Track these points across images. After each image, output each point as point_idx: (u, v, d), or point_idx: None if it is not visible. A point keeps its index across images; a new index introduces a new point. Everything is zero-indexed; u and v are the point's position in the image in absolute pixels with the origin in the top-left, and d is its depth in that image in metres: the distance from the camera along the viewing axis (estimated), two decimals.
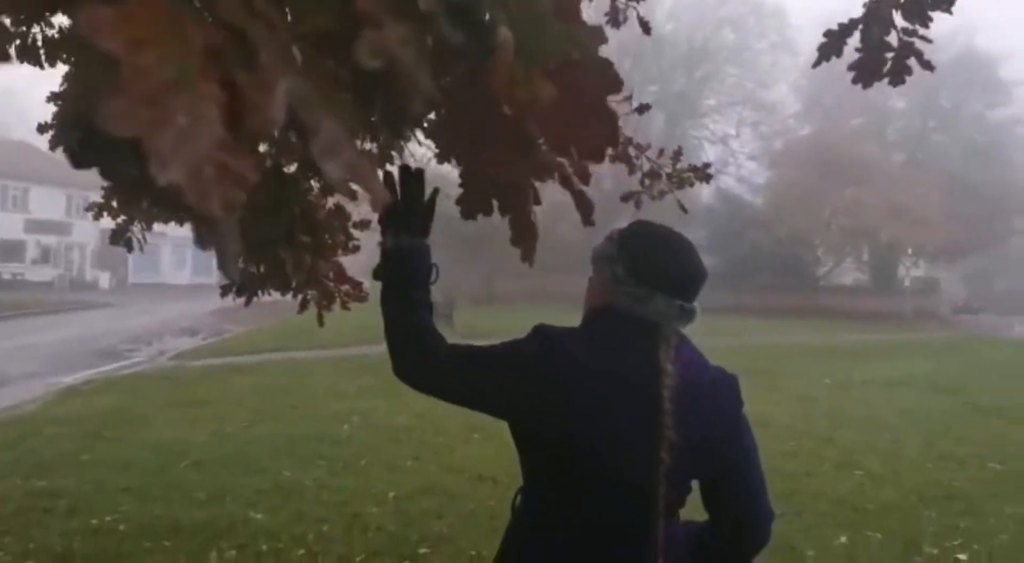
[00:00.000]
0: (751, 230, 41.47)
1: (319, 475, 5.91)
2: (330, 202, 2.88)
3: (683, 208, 2.59)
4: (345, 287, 3.00)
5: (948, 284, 52.83)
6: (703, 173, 2.25)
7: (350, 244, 2.95)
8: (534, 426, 1.51)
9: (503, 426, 1.58)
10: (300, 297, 2.96)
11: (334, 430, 7.44)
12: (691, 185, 2.29)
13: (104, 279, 42.17)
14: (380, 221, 1.66)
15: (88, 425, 7.39)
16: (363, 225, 2.93)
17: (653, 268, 1.53)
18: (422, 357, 1.57)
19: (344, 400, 9.15)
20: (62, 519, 4.67)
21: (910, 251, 33.63)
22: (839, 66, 2.38)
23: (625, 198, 2.40)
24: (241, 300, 2.91)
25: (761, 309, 39.66)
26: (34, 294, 30.90)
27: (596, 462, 1.46)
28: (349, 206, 2.92)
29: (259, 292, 2.89)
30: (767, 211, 42.91)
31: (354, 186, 0.62)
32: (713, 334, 22.70)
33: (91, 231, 42.12)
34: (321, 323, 3.01)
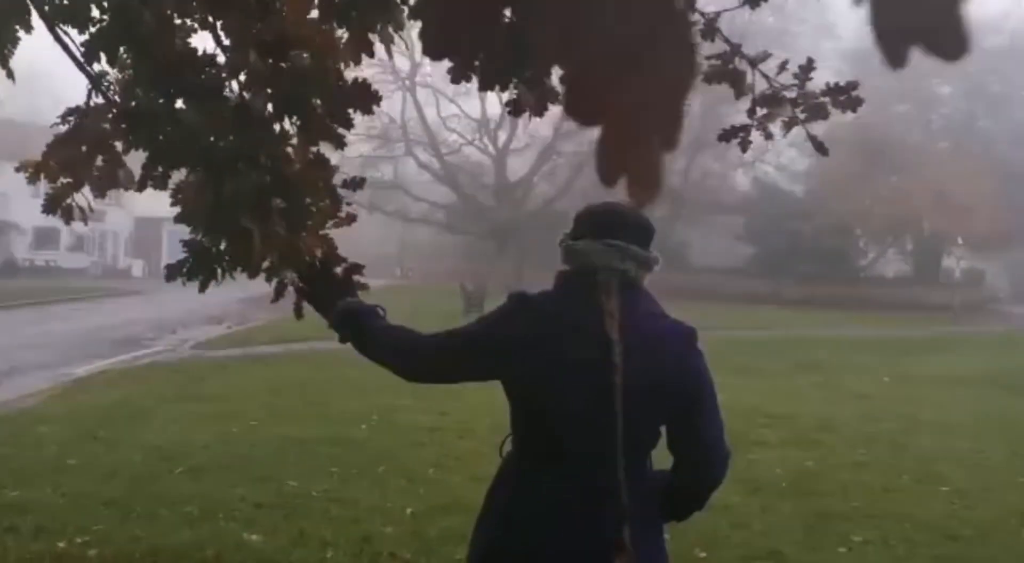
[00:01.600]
0: (791, 219, 40.23)
1: (329, 485, 5.22)
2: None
3: (820, 146, 1.82)
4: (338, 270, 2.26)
5: (991, 275, 51.30)
6: (849, 97, 1.48)
7: (342, 210, 2.21)
8: (508, 373, 1.74)
9: None
10: (275, 282, 2.23)
11: (350, 431, 6.75)
12: (825, 117, 1.54)
13: (137, 267, 42.14)
14: (316, 308, 2.15)
15: (84, 424, 6.78)
16: (355, 184, 2.18)
17: (583, 220, 1.78)
18: (412, 364, 1.91)
19: (365, 397, 8.47)
20: (26, 540, 4.03)
21: (960, 241, 32.13)
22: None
23: (725, 136, 1.65)
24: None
25: (802, 300, 38.52)
26: (67, 281, 30.79)
27: (558, 397, 1.66)
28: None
29: (220, 274, 2.18)
30: (807, 200, 41.70)
31: None
32: (756, 327, 21.77)
33: (125, 219, 42.09)
34: (299, 315, 2.29)
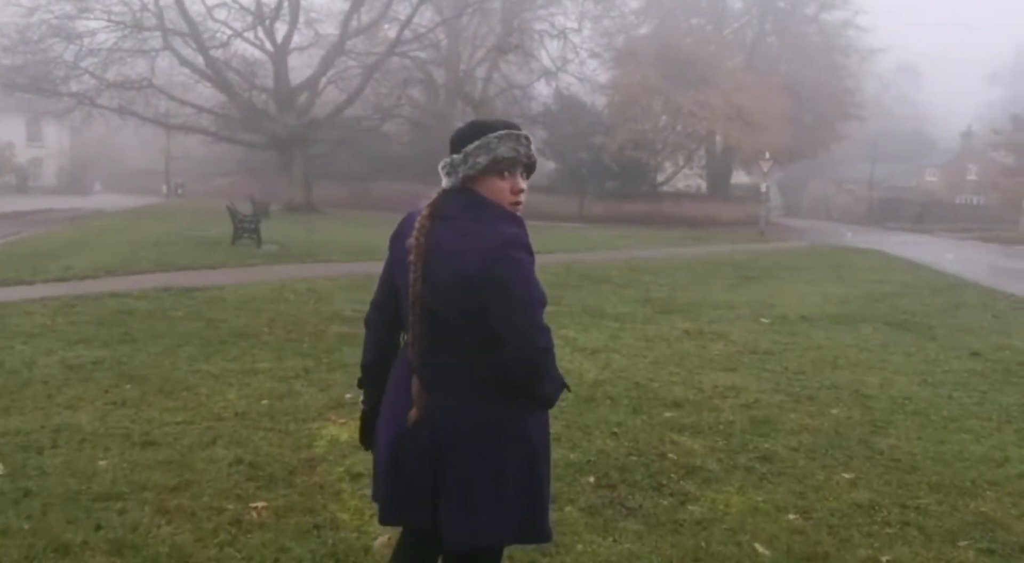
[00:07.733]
0: (593, 134, 38.66)
1: None
2: None
3: None
4: None
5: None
6: None
7: None
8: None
9: None
10: None
11: None
12: None
13: None
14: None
15: None
16: None
17: None
18: (388, 316, 2.17)
19: (13, 412, 4.87)
20: None
21: (768, 155, 31.83)
22: None
23: None
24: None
25: (604, 216, 37.48)
26: None
27: (398, 284, 2.05)
28: None
29: None
30: (610, 113, 40.24)
31: None
32: (572, 248, 19.54)
33: None
34: None
